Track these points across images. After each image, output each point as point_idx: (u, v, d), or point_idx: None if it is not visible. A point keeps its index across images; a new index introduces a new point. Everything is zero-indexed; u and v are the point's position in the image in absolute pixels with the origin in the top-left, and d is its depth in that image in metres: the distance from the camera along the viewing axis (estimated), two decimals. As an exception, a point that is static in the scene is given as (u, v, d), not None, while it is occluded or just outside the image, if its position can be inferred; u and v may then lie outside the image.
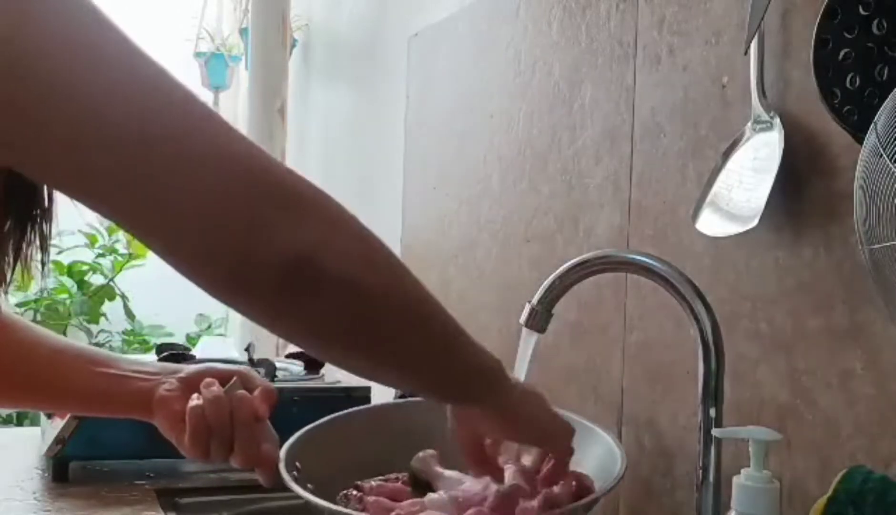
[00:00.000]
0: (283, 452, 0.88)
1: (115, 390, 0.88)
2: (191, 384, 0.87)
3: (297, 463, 0.88)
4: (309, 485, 0.86)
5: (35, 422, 1.92)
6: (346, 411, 0.99)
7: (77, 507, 1.19)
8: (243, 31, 3.01)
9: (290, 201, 0.62)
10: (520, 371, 0.91)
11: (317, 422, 0.95)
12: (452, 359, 0.74)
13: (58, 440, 1.28)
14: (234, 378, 0.87)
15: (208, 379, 0.86)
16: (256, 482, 0.94)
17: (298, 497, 0.85)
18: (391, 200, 1.90)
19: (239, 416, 0.85)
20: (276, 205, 0.60)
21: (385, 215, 1.96)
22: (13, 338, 0.88)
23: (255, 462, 0.86)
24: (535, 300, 0.91)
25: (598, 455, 0.88)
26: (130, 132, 0.55)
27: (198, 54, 3.27)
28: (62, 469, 1.31)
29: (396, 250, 1.85)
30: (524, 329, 0.91)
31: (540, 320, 0.91)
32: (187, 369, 0.90)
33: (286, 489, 0.86)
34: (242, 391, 0.86)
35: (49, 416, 1.35)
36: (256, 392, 0.86)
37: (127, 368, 0.90)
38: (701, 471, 0.88)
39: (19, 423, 3.18)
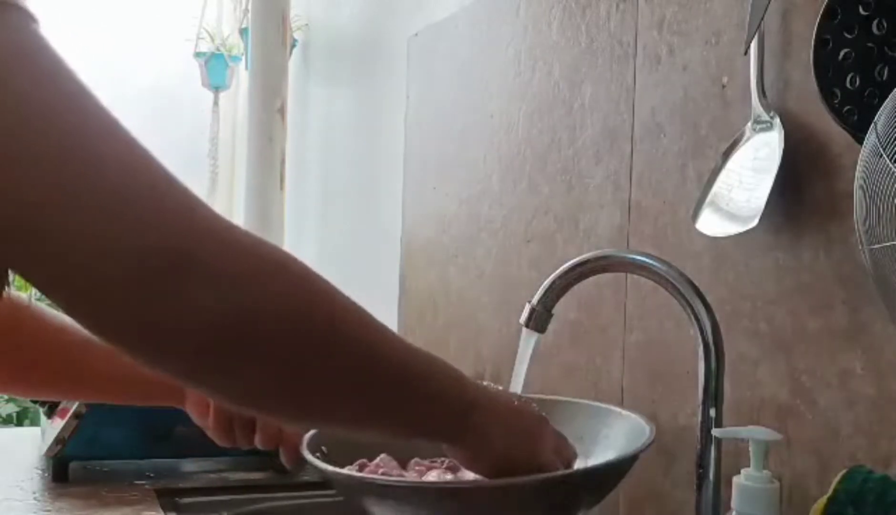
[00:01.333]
0: (307, 436, 0.87)
1: (151, 377, 0.87)
2: None
3: (323, 447, 0.88)
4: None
5: (35, 422, 1.92)
6: None
7: (77, 507, 1.19)
8: (243, 31, 3.01)
9: (220, 261, 0.56)
10: (520, 371, 0.91)
11: None
12: (409, 403, 0.68)
13: (58, 440, 1.28)
14: None
15: None
16: (256, 482, 0.94)
17: (298, 496, 0.85)
18: (391, 200, 1.90)
19: None
20: (202, 268, 0.54)
21: (385, 216, 1.96)
22: (43, 326, 0.88)
23: (277, 442, 0.86)
24: (535, 300, 0.91)
25: (625, 431, 0.89)
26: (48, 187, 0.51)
27: (198, 54, 3.26)
28: (62, 469, 1.31)
29: (396, 250, 1.85)
30: (524, 329, 0.91)
31: (540, 320, 0.91)
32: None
33: (286, 489, 0.86)
34: None
35: (49, 416, 1.35)
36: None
37: None
38: (701, 471, 0.88)
39: (19, 423, 3.18)
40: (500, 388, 0.83)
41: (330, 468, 0.79)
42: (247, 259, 0.57)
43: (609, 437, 0.87)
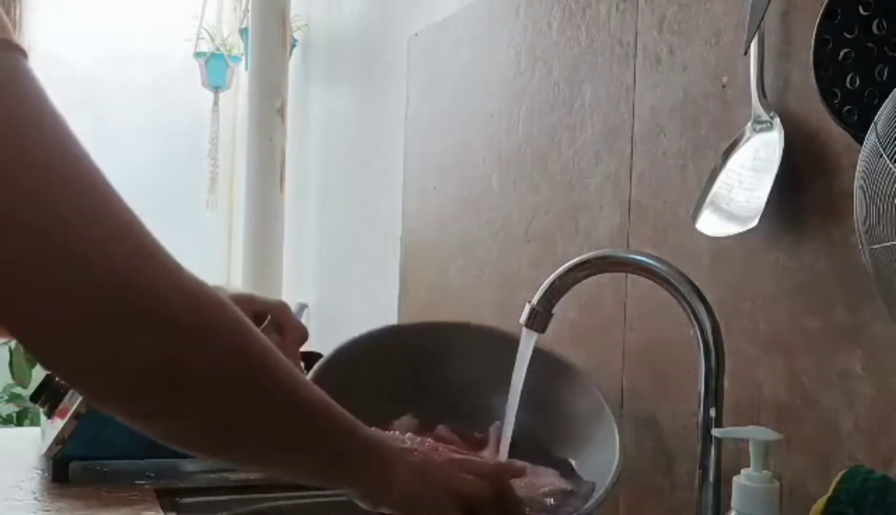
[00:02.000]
0: (309, 378, 0.91)
1: None
2: None
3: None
4: None
5: (35, 422, 1.92)
6: (367, 331, 1.00)
7: (77, 507, 1.19)
8: (243, 31, 3.01)
9: (155, 313, 0.57)
10: (520, 371, 0.91)
11: (338, 345, 0.97)
12: (328, 445, 0.71)
13: (58, 440, 1.28)
14: (268, 319, 0.89)
15: None
16: (256, 482, 0.94)
17: (298, 496, 0.85)
18: (391, 200, 1.90)
19: None
20: (140, 318, 0.56)
21: (385, 216, 1.96)
22: None
23: None
24: (535, 300, 0.91)
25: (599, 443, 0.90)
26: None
27: (198, 54, 3.27)
28: (62, 469, 1.31)
29: (396, 250, 1.85)
30: (524, 329, 0.91)
31: (540, 320, 0.91)
32: (225, 296, 0.90)
33: (286, 489, 0.87)
34: (275, 336, 0.88)
35: (49, 416, 1.35)
36: (286, 337, 0.88)
37: None
38: (701, 471, 0.88)
39: (19, 423, 3.18)
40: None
41: None
42: (187, 309, 0.59)
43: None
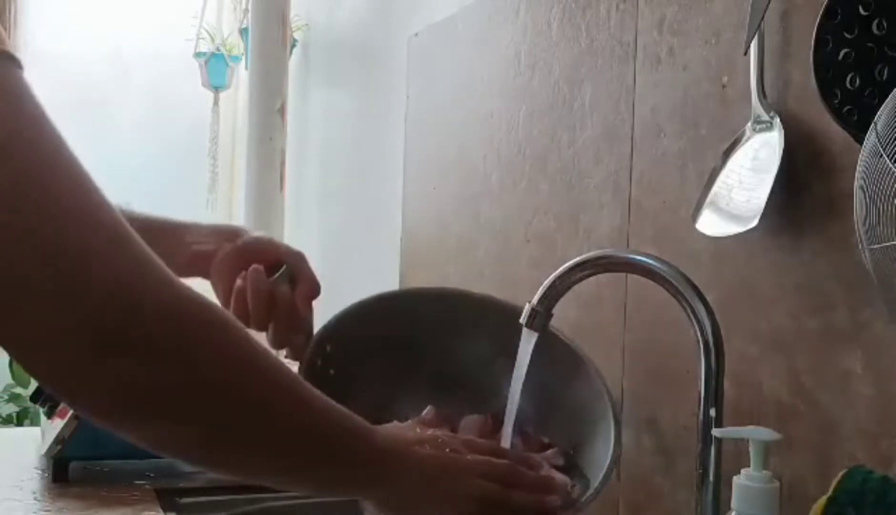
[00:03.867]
0: (316, 334, 0.91)
1: (176, 250, 0.89)
2: (246, 255, 0.89)
3: (328, 347, 0.91)
4: (331, 371, 0.90)
5: (35, 422, 1.92)
6: (377, 294, 1.00)
7: (77, 507, 1.19)
8: (243, 31, 3.01)
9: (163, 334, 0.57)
10: (520, 371, 0.90)
11: (347, 307, 0.97)
12: (327, 464, 0.71)
13: (58, 440, 1.28)
14: (283, 269, 0.90)
15: (255, 267, 0.88)
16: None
17: (298, 496, 0.86)
18: (391, 200, 1.90)
19: (278, 308, 0.88)
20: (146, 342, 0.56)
21: (385, 215, 1.96)
22: None
23: (284, 347, 0.89)
24: (535, 300, 0.91)
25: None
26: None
27: (198, 54, 3.26)
28: (62, 469, 1.31)
29: (396, 250, 1.85)
30: (524, 329, 0.91)
31: (540, 320, 0.91)
32: (245, 238, 0.91)
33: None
34: (286, 287, 0.89)
35: (49, 416, 1.35)
36: (298, 289, 0.89)
37: (184, 230, 0.92)
38: (701, 471, 0.88)
39: (19, 423, 3.18)
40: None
41: None
42: (189, 330, 0.59)
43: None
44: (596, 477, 0.86)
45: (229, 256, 0.89)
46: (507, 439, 0.89)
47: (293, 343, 0.90)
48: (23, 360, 0.55)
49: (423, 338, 0.97)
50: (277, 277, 0.89)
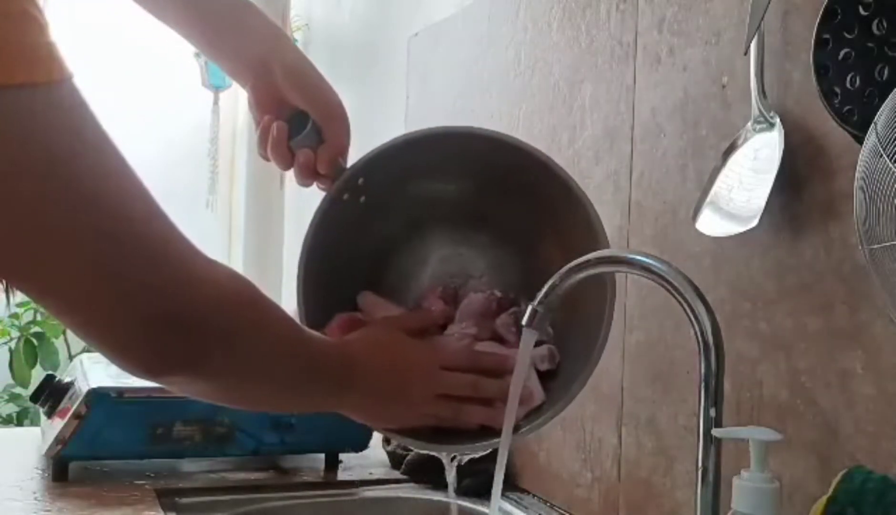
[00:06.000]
0: (349, 170, 0.92)
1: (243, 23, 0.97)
2: (275, 95, 0.94)
3: (361, 180, 0.93)
4: (362, 198, 0.93)
5: (35, 422, 1.92)
6: (414, 132, 0.99)
7: (77, 507, 1.19)
8: (243, 31, 3.00)
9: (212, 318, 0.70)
10: (520, 371, 0.90)
11: (385, 143, 0.96)
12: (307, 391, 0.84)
13: (58, 440, 1.28)
14: (309, 125, 0.90)
15: (279, 124, 0.91)
16: (256, 482, 0.94)
17: (298, 496, 0.86)
18: (391, 200, 1.90)
19: (298, 165, 0.90)
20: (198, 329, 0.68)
21: (385, 215, 1.96)
22: None
23: (312, 177, 0.91)
24: (535, 300, 0.91)
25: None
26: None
27: (198, 54, 3.26)
28: (62, 469, 1.31)
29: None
30: (524, 329, 0.91)
31: (540, 320, 0.91)
32: (276, 74, 0.94)
33: (286, 489, 0.88)
34: (309, 147, 0.90)
35: (49, 416, 1.35)
36: (321, 149, 0.90)
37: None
38: (701, 471, 0.88)
39: (19, 423, 3.18)
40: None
41: None
42: (235, 311, 0.72)
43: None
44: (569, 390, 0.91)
45: (259, 92, 0.94)
46: (507, 436, 0.89)
47: (320, 180, 0.92)
48: (94, 340, 0.65)
49: (460, 173, 0.98)
50: (303, 137, 0.89)
